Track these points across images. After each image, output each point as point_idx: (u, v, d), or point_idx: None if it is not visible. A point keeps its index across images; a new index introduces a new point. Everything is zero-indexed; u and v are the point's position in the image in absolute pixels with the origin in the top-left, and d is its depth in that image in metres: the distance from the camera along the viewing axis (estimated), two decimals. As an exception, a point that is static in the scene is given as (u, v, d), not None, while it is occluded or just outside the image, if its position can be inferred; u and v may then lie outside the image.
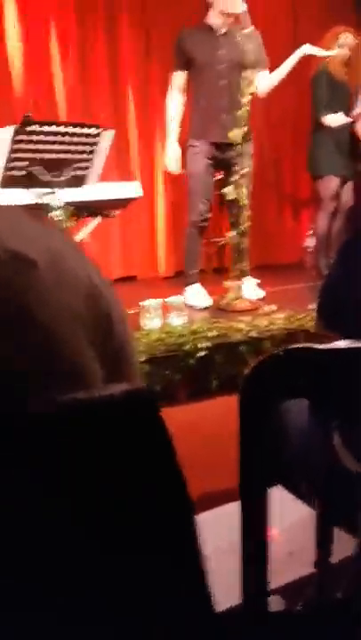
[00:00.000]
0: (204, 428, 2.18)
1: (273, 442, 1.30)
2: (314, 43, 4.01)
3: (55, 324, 0.61)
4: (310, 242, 4.38)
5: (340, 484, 0.93)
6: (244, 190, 3.14)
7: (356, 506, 0.91)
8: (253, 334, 2.71)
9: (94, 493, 0.58)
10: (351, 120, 3.67)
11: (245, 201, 3.17)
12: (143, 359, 2.40)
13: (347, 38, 3.63)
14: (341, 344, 0.74)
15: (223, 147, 3.13)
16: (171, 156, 3.27)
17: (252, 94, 3.07)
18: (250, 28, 2.94)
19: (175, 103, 3.20)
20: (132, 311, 3.05)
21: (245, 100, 3.00)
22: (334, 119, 3.61)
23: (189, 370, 2.53)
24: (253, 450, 0.67)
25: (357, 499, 0.91)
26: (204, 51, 3.06)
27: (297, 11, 4.45)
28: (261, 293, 3.41)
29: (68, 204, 2.71)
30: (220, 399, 2.46)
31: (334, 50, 3.55)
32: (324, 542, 0.79)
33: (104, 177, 3.34)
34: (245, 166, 3.13)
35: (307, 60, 3.93)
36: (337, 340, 1.10)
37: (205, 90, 3.11)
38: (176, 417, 2.31)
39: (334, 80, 3.63)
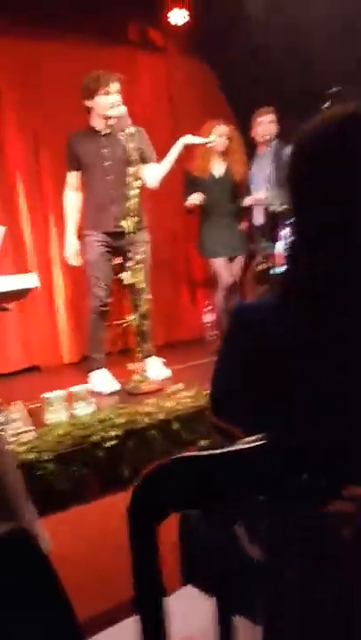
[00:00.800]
0: (116, 525, 2.10)
1: (182, 541, 1.29)
2: (190, 133, 4.37)
3: None
4: (208, 317, 4.56)
5: (245, 577, 0.93)
6: (141, 275, 3.24)
7: (260, 595, 0.91)
8: (162, 417, 2.71)
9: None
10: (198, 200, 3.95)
11: (143, 285, 3.26)
12: (48, 457, 2.31)
13: (221, 129, 3.98)
14: (229, 448, 0.75)
15: (116, 235, 3.25)
16: (69, 250, 3.39)
17: (140, 187, 3.25)
18: (131, 128, 3.14)
19: (71, 201, 3.40)
20: (36, 405, 2.96)
21: (133, 192, 3.16)
22: (190, 200, 3.97)
23: (99, 462, 2.46)
24: (143, 565, 0.66)
25: (262, 588, 0.92)
26: (90, 151, 3.27)
27: (175, 108, 4.83)
28: (167, 372, 3.45)
29: None
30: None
31: (211, 139, 3.90)
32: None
33: (1, 272, 3.32)
34: (140, 253, 3.25)
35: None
36: (230, 428, 1.13)
37: (95, 185, 3.30)
38: (87, 516, 2.22)
39: (197, 177, 3.98)
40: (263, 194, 4.01)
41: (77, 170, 3.32)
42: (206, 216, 4.07)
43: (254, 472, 0.73)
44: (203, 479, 0.67)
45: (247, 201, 4.08)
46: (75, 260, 3.40)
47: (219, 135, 3.97)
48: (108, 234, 3.29)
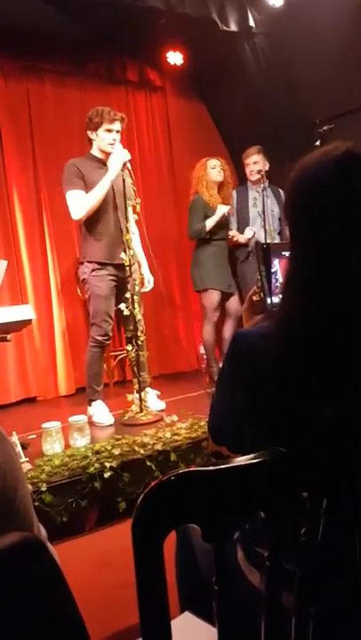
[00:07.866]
0: (114, 557, 2.08)
1: (178, 566, 1.28)
2: (188, 169, 4.48)
3: None
4: (203, 349, 4.58)
5: (246, 604, 0.93)
6: (138, 306, 3.27)
7: (260, 624, 0.91)
8: (159, 448, 2.71)
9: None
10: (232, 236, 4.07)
11: (140, 316, 3.29)
12: (45, 488, 2.30)
13: (215, 161, 4.06)
14: (228, 462, 0.77)
15: (120, 267, 3.27)
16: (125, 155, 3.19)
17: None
18: (128, 164, 3.22)
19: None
20: (33, 435, 2.95)
21: (130, 225, 3.23)
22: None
23: (95, 493, 2.44)
24: (149, 583, 0.67)
25: (261, 616, 0.91)
26: (99, 180, 3.21)
27: (173, 145, 4.96)
28: (162, 405, 3.44)
29: None
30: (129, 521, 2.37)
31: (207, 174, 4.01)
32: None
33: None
34: (137, 284, 3.30)
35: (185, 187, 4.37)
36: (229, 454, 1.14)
37: (106, 216, 3.26)
38: (86, 549, 2.21)
39: (208, 205, 4.01)
40: (250, 233, 4.11)
41: (83, 189, 3.22)
42: (207, 248, 4.06)
43: (256, 486, 0.74)
44: (206, 492, 0.69)
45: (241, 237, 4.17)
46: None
47: (213, 167, 4.07)
48: (115, 266, 3.29)
